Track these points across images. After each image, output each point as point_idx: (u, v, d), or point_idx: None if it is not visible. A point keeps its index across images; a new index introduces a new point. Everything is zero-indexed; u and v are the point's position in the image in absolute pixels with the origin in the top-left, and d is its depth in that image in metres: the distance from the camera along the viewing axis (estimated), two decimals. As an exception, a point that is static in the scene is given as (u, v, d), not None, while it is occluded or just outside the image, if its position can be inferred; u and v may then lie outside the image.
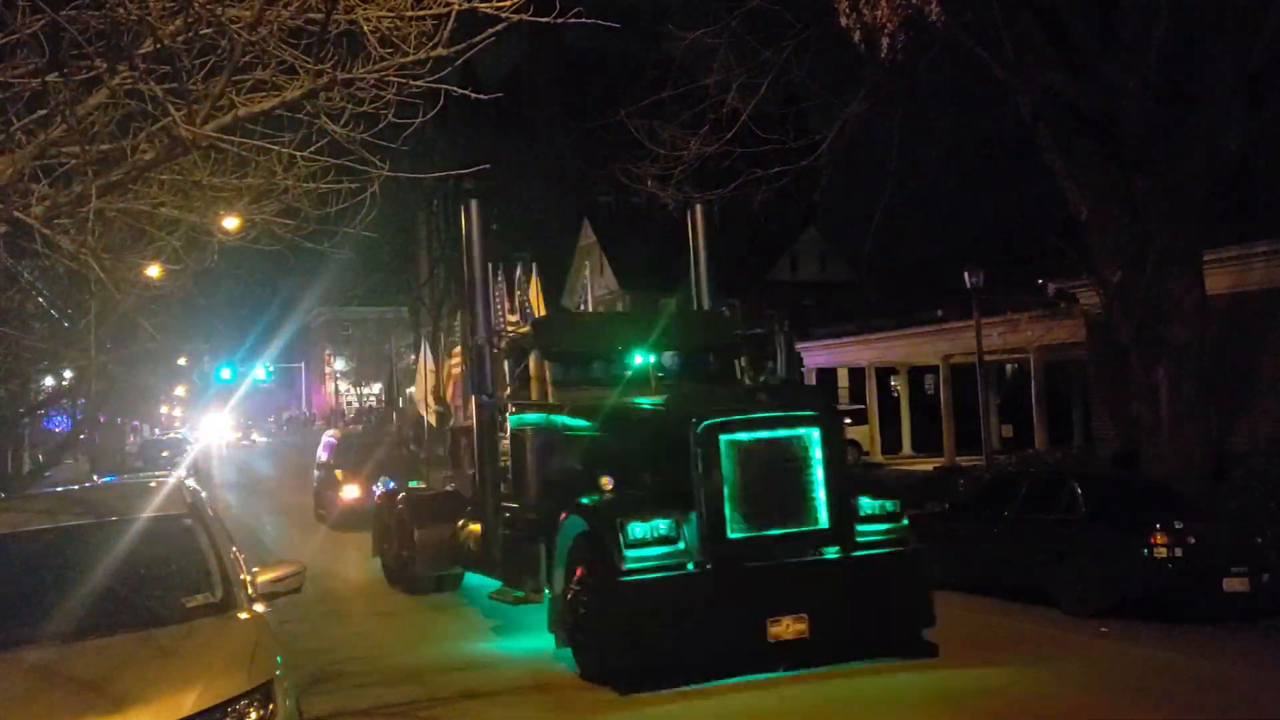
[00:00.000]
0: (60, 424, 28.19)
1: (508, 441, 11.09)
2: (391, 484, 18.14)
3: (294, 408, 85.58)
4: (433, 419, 16.56)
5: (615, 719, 7.83)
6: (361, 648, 10.43)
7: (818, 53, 14.09)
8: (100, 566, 5.50)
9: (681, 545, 8.30)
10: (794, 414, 8.87)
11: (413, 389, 20.46)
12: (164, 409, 60.04)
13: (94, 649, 4.85)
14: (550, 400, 10.66)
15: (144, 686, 4.47)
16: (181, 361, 35.43)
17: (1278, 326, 16.20)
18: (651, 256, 43.23)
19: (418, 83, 5.76)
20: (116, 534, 5.76)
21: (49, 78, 5.68)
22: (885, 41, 11.87)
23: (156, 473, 25.82)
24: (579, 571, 8.70)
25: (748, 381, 11.30)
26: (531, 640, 9.84)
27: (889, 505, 9.04)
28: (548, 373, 10.81)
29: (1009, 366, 32.93)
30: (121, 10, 5.08)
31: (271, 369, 63.90)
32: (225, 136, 5.55)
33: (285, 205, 7.33)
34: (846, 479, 9.19)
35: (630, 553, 8.15)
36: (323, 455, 23.95)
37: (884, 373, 34.27)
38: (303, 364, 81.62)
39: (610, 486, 8.94)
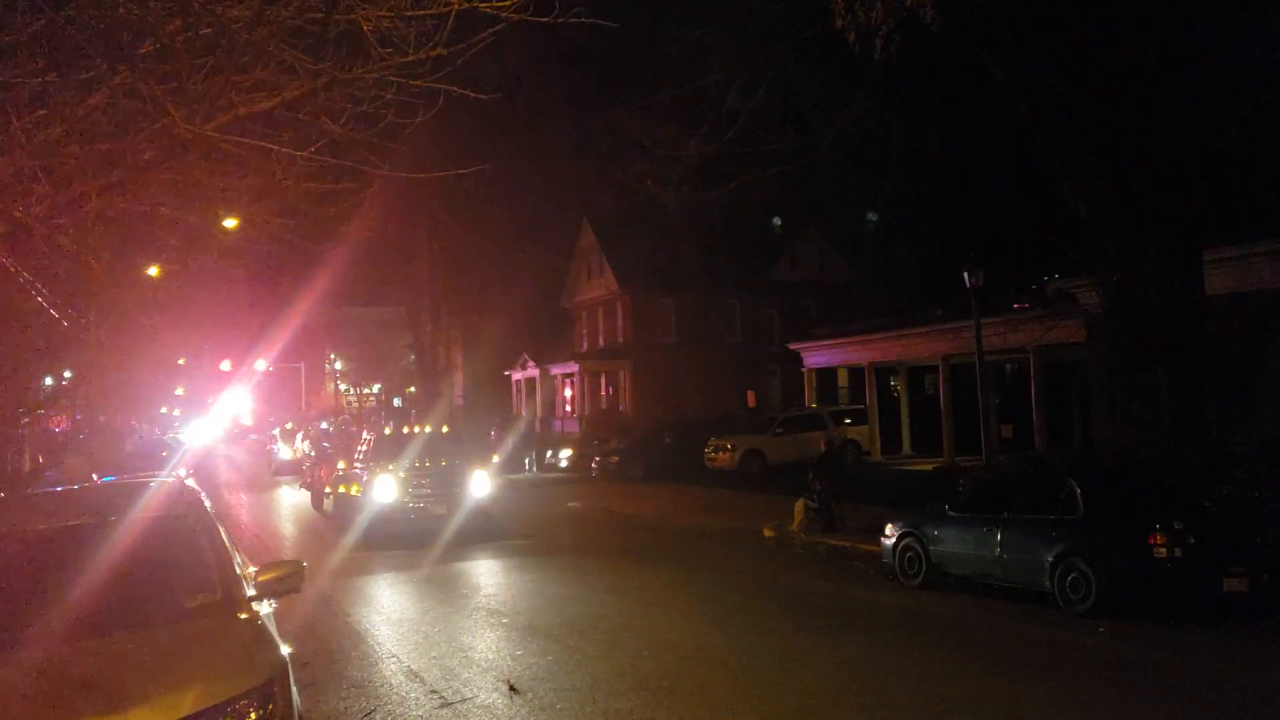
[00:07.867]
0: (60, 424, 28.18)
1: None
2: None
3: (293, 408, 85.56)
4: None
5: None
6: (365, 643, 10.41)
7: (818, 53, 14.10)
8: (100, 566, 5.48)
9: None
10: None
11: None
12: (164, 409, 60.02)
13: (94, 648, 4.84)
14: None
15: (144, 686, 4.46)
16: (181, 361, 35.44)
17: (1277, 326, 16.19)
18: (651, 256, 43.21)
19: (417, 83, 5.76)
20: (116, 534, 5.75)
21: (49, 78, 5.68)
22: (880, 43, 11.87)
23: (156, 473, 25.76)
24: None
25: None
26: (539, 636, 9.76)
27: None
28: None
29: (1009, 366, 32.88)
30: (121, 10, 5.08)
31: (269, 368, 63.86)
32: (225, 136, 5.55)
33: (285, 205, 7.33)
34: None
35: None
36: None
37: (884, 373, 34.23)
38: (302, 364, 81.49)
39: None
